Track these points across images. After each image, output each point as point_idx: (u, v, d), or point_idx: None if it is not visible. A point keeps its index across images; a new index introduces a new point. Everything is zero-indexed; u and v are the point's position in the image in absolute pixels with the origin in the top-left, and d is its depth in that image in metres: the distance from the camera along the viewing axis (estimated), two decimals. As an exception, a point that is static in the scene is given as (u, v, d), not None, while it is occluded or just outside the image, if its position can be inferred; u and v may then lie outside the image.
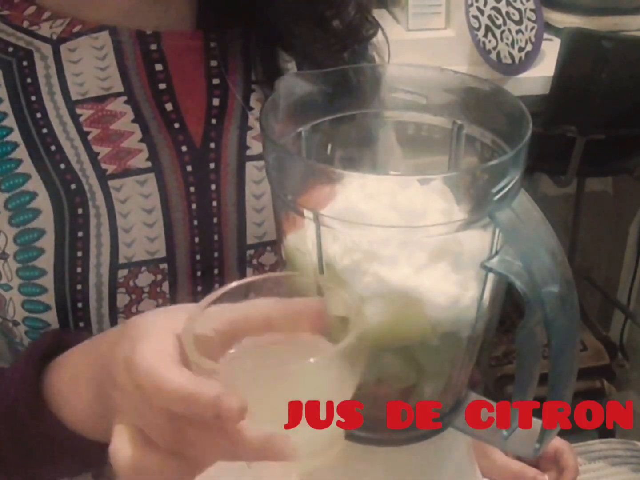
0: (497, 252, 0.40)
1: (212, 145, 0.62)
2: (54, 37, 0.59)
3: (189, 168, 0.61)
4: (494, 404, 0.47)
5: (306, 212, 0.39)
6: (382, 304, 0.40)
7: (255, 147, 0.63)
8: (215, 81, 0.62)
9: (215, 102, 0.62)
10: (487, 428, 0.46)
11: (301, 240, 0.41)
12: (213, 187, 0.61)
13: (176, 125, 0.61)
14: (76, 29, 0.59)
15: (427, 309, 0.40)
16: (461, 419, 0.46)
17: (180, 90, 0.61)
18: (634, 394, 2.10)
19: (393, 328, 0.40)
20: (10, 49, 0.59)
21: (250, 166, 0.63)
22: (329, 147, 0.46)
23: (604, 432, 1.84)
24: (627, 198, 2.14)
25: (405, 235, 0.40)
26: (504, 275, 0.39)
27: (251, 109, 0.64)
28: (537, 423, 0.44)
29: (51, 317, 0.58)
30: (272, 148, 0.41)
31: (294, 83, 0.45)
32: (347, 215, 0.38)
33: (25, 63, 0.59)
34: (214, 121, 0.62)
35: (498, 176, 0.38)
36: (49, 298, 0.58)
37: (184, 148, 0.61)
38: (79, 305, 0.58)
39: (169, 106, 0.61)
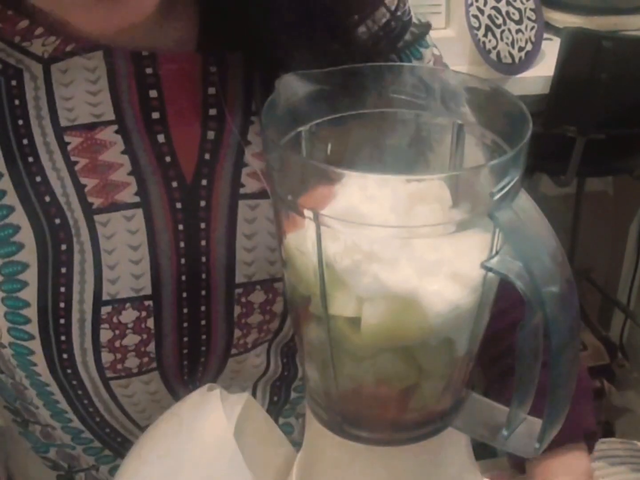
0: (497, 252, 0.40)
1: (204, 182, 0.59)
2: (46, 55, 0.56)
3: (178, 205, 0.59)
4: (494, 404, 0.48)
5: (306, 212, 0.39)
6: (382, 304, 0.40)
7: (250, 185, 0.60)
8: (212, 112, 0.59)
9: (210, 135, 0.59)
10: (487, 428, 0.46)
11: (301, 240, 0.41)
12: (203, 225, 0.59)
13: (167, 159, 0.58)
14: (69, 47, 0.56)
15: (426, 310, 0.40)
16: (461, 419, 0.47)
17: (174, 120, 0.58)
18: (634, 394, 2.10)
19: (392, 329, 0.40)
20: (0, 67, 0.56)
21: (243, 205, 0.60)
22: (329, 147, 0.46)
23: (604, 432, 1.84)
24: (627, 198, 2.14)
25: (404, 235, 0.40)
26: (504, 275, 0.39)
27: (248, 143, 0.60)
28: (537, 423, 0.44)
29: (35, 346, 0.58)
30: (272, 148, 0.41)
31: (294, 83, 0.45)
32: (347, 216, 0.38)
33: (14, 82, 0.56)
34: (207, 156, 0.59)
35: (498, 176, 0.38)
36: (32, 328, 0.57)
37: (174, 184, 0.58)
38: (62, 338, 0.58)
39: (161, 138, 0.58)
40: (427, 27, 0.68)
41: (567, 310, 0.39)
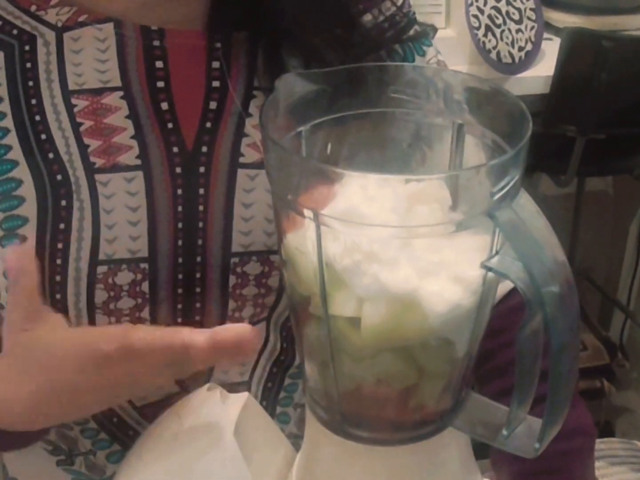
0: (497, 252, 0.40)
1: (204, 149, 0.61)
2: (59, 24, 0.59)
3: (178, 170, 0.60)
4: (494, 403, 0.47)
5: (306, 212, 0.39)
6: (382, 305, 0.40)
7: (249, 155, 0.61)
8: (215, 84, 0.61)
9: (212, 105, 0.61)
10: (487, 428, 0.46)
11: (301, 240, 0.41)
12: (201, 191, 0.60)
13: (170, 125, 0.60)
14: (82, 18, 0.59)
15: (426, 310, 0.40)
16: (461, 419, 0.46)
17: (178, 90, 0.60)
18: (634, 394, 2.10)
19: (392, 329, 0.40)
20: (15, 32, 0.59)
21: (242, 174, 0.61)
22: (329, 147, 0.46)
23: (604, 432, 1.84)
24: (627, 198, 2.14)
25: (404, 235, 0.40)
26: (504, 275, 0.39)
27: (249, 115, 0.62)
28: (537, 423, 0.44)
29: None
30: (272, 148, 0.41)
31: (294, 83, 0.45)
32: (347, 215, 0.38)
33: (27, 47, 0.59)
34: (208, 125, 0.61)
35: (498, 176, 0.38)
36: None
37: (175, 149, 0.60)
38: (57, 296, 0.58)
39: (164, 105, 0.60)
40: (432, 28, 0.70)
41: (567, 310, 0.39)
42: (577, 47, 1.54)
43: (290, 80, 0.45)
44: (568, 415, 0.43)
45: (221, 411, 0.53)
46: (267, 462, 0.55)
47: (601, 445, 0.97)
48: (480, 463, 0.53)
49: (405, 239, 0.40)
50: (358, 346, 0.42)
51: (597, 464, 0.89)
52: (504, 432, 0.45)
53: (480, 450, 0.55)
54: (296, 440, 0.73)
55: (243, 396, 0.56)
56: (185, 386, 0.65)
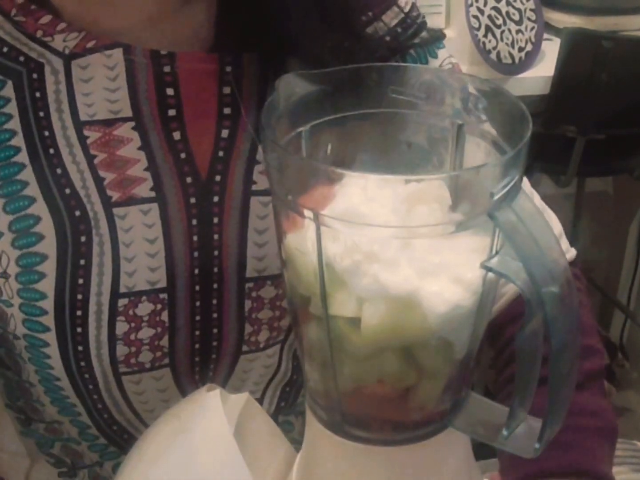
0: (497, 252, 0.40)
1: (218, 178, 0.60)
2: (67, 51, 0.57)
3: (192, 200, 0.60)
4: (494, 404, 0.48)
5: (306, 213, 0.39)
6: (382, 305, 0.40)
7: (261, 182, 0.61)
8: (227, 111, 0.60)
9: (225, 133, 0.60)
10: (487, 428, 0.46)
11: (301, 240, 0.41)
12: (215, 220, 0.60)
13: (182, 155, 0.59)
14: (90, 44, 0.57)
15: (426, 311, 0.40)
16: (461, 419, 0.47)
17: (190, 118, 0.59)
18: (634, 394, 2.10)
19: (392, 329, 0.40)
20: (22, 59, 0.57)
21: (255, 201, 0.61)
22: (329, 147, 0.46)
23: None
24: (627, 198, 2.14)
25: (404, 235, 0.40)
26: (504, 275, 0.39)
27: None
28: (537, 423, 0.44)
29: (50, 339, 0.58)
30: (272, 148, 0.41)
31: (294, 83, 0.45)
32: (347, 216, 0.38)
33: (35, 76, 0.57)
34: (221, 154, 0.60)
35: (498, 176, 0.38)
36: (48, 320, 0.57)
37: (189, 179, 0.60)
38: (78, 330, 0.58)
39: (176, 135, 0.59)
40: (441, 34, 0.70)
41: (567, 310, 0.39)
42: (577, 47, 1.54)
43: (291, 80, 0.45)
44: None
45: (221, 411, 0.53)
46: (267, 462, 0.55)
47: (601, 445, 0.96)
48: (480, 463, 0.53)
49: (405, 240, 0.40)
50: (358, 346, 0.42)
51: (597, 464, 0.89)
52: (504, 432, 0.45)
53: (480, 450, 0.55)
54: (297, 446, 0.73)
55: (243, 396, 0.56)
56: None
